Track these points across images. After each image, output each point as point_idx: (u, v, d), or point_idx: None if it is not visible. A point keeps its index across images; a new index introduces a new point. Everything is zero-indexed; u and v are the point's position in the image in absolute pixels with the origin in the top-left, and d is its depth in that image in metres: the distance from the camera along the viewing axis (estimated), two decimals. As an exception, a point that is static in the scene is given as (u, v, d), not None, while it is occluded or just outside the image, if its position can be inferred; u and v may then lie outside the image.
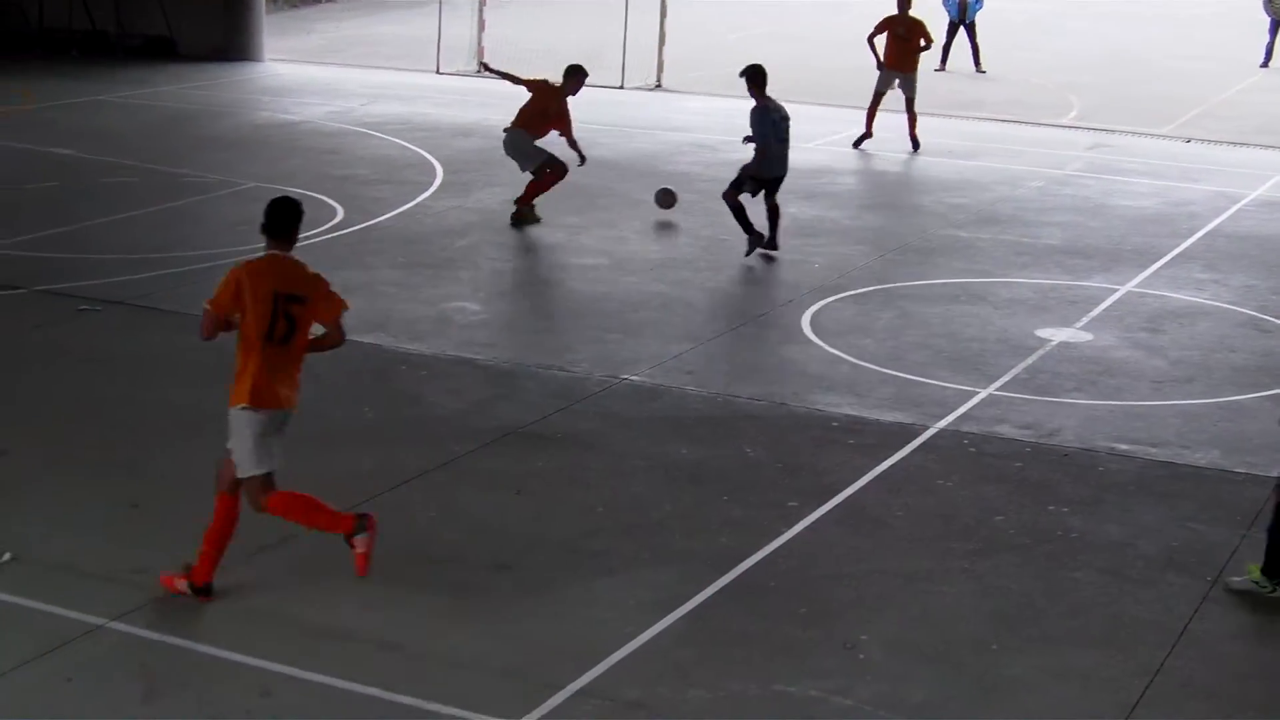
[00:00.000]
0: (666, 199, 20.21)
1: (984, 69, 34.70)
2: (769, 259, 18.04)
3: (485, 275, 17.29)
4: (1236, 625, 9.97)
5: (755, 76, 18.09)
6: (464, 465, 11.93)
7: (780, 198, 18.35)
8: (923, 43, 25.20)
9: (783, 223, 18.38)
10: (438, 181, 21.78)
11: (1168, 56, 38.81)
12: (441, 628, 9.38)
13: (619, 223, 19.65)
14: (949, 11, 35.19)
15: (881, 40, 25.09)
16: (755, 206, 18.13)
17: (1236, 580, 10.40)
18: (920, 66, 25.35)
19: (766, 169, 18.19)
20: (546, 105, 19.33)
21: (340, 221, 19.04)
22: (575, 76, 19.48)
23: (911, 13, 25.08)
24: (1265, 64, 38.30)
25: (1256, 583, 10.29)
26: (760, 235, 18.01)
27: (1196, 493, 11.97)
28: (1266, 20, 38.68)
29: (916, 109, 25.01)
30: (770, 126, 18.06)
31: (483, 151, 23.26)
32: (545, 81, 19.69)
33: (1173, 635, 9.65)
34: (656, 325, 15.54)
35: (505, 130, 19.54)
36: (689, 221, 19.74)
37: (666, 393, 13.67)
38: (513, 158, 19.47)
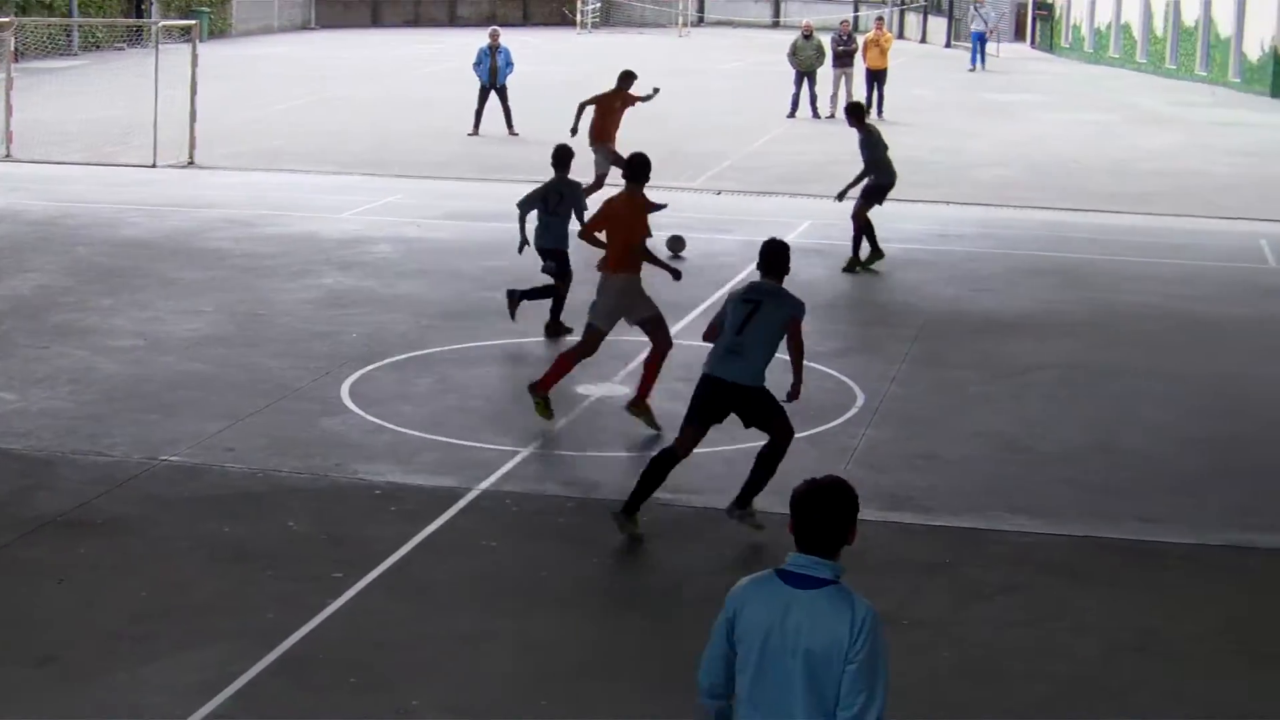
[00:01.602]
0: (676, 244, 21.58)
1: (516, 131, 35.17)
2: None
3: (18, 363, 16.76)
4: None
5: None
6: (3, 558, 11.56)
7: (317, 268, 18.25)
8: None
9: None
10: (-37, 270, 21.09)
11: (689, 113, 39.82)
12: (-21, 730, 9.08)
13: (153, 303, 19.28)
14: (480, 77, 35.57)
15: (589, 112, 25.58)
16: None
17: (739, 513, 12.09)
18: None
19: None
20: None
21: None
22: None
23: None
24: (792, 114, 39.78)
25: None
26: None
27: (736, 535, 12.29)
28: (792, 72, 40.21)
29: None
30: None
31: (12, 237, 22.62)
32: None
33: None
34: (195, 404, 15.31)
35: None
36: (224, 298, 19.49)
37: (207, 471, 13.47)
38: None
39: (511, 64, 35.79)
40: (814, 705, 6.19)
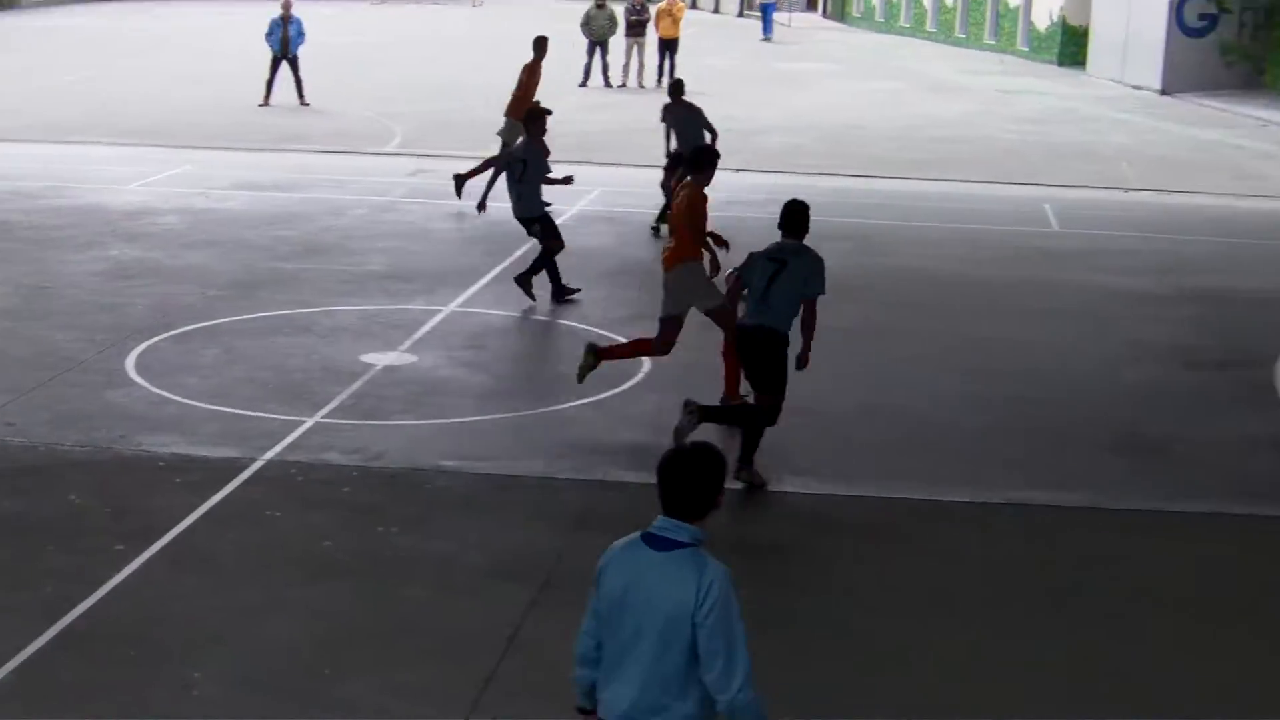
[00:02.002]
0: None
1: (307, 102, 34.85)
2: None
3: None
4: (566, 625, 10.28)
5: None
6: None
7: (104, 240, 17.97)
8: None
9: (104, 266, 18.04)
10: None
11: (484, 84, 39.69)
12: None
13: (-69, 276, 18.90)
14: (271, 46, 35.19)
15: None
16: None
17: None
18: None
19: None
20: None
21: None
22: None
23: None
24: (584, 84, 39.84)
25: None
26: None
27: (523, 502, 12.36)
28: (585, 41, 40.24)
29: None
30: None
31: None
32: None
33: (503, 642, 9.94)
34: (-26, 379, 15.05)
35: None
36: (10, 271, 19.14)
37: (-13, 447, 13.26)
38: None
39: (303, 34, 35.45)
40: (666, 667, 6.30)
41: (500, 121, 24.53)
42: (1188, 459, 14.15)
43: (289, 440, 13.46)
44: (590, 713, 6.69)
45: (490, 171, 22.07)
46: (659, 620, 6.27)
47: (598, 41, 40.17)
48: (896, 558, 11.60)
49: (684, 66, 40.67)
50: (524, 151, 18.56)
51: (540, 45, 25.38)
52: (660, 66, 40.59)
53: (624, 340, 15.55)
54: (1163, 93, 43.22)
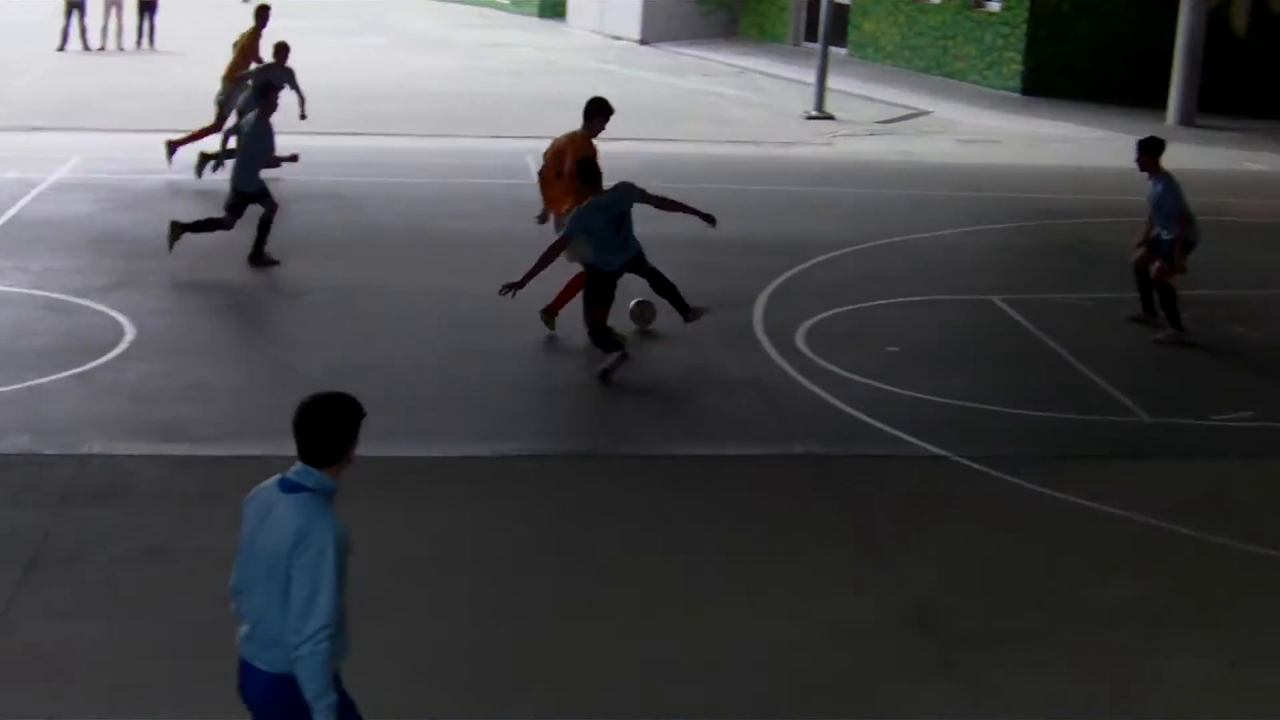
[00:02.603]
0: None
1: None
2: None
3: None
4: (57, 604, 10.20)
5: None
6: None
7: None
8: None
9: None
10: None
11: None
12: None
13: None
14: None
15: None
16: None
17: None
18: None
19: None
20: None
21: None
22: None
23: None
24: (62, 47, 38.71)
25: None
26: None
27: (7, 481, 12.14)
28: (62, 3, 39.08)
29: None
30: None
31: None
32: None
33: (-12, 622, 9.84)
34: None
35: None
36: None
37: None
38: None
39: None
40: (273, 599, 6.61)
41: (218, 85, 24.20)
42: (674, 403, 14.77)
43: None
44: None
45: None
46: (270, 556, 6.60)
47: (75, 4, 39.07)
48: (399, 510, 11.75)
49: (166, 27, 40.00)
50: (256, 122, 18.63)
51: (261, 14, 24.99)
52: (140, 27, 39.74)
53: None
54: (642, 42, 44.38)
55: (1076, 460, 13.63)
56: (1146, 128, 23.23)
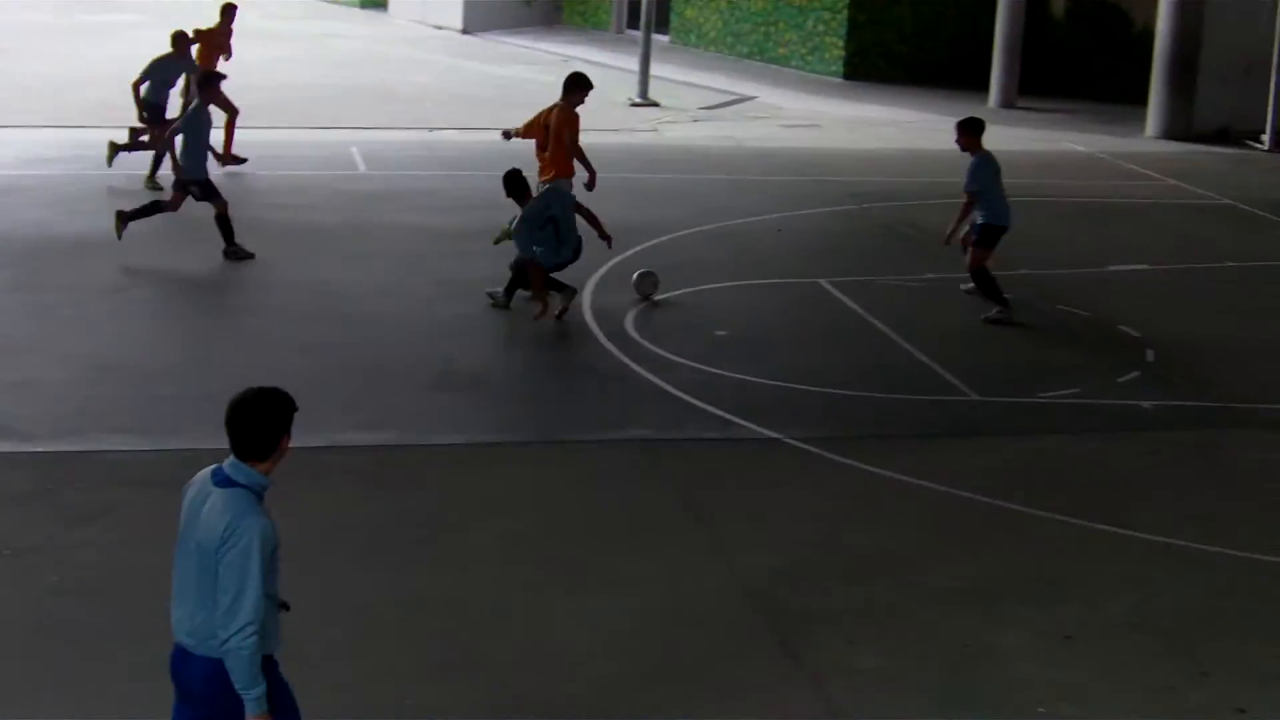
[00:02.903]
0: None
1: None
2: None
3: None
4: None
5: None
6: None
7: None
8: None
9: None
10: None
11: None
12: None
13: None
14: None
15: None
16: None
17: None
18: None
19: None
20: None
21: None
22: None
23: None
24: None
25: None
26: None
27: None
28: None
29: None
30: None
31: None
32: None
33: None
34: None
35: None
36: None
37: None
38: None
39: None
40: (203, 591, 6.69)
41: None
42: (503, 390, 14.77)
43: None
44: None
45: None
46: (200, 550, 6.68)
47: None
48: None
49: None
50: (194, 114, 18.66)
51: (227, 11, 25.71)
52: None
53: None
54: (465, 32, 44.22)
55: (907, 439, 13.81)
56: (968, 110, 23.46)
